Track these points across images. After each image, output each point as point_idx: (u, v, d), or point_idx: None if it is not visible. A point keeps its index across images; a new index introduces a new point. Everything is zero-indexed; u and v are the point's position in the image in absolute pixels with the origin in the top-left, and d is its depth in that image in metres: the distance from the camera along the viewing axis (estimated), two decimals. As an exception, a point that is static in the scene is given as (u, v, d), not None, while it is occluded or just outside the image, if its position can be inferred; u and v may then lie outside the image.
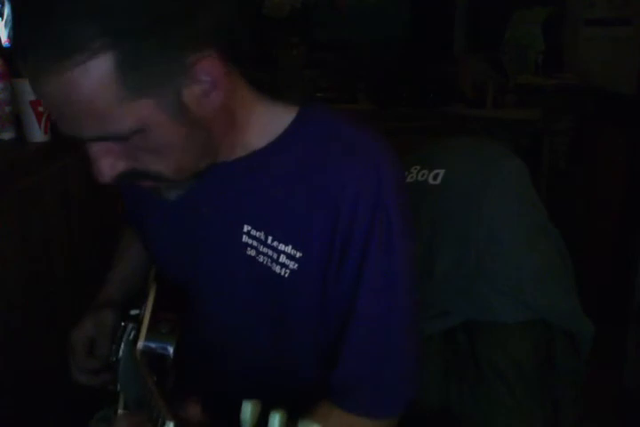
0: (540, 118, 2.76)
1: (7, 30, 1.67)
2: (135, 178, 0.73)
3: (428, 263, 0.99)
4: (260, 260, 0.80)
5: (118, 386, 0.87)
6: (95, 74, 0.61)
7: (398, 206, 0.77)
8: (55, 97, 0.64)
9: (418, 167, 1.05)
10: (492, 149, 1.09)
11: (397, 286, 0.78)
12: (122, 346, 0.84)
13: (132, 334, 0.81)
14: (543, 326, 1.00)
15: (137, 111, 0.64)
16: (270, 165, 0.79)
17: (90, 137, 0.67)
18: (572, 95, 2.73)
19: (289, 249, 0.78)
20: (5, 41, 1.68)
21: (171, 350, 0.76)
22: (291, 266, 0.78)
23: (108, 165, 0.70)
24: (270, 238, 0.79)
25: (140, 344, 0.76)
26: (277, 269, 0.79)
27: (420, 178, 1.03)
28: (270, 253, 0.79)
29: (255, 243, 0.80)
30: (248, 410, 0.48)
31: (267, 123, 0.79)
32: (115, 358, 0.86)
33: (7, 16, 1.68)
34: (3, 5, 1.68)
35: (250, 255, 0.80)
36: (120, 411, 0.85)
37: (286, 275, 0.78)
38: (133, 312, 0.85)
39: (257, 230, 0.80)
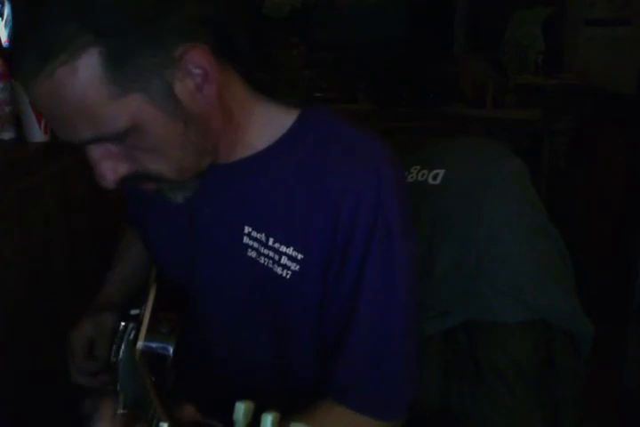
0: (539, 118, 2.76)
1: (7, 30, 1.67)
2: (138, 181, 0.73)
3: (428, 263, 0.99)
4: (261, 261, 0.80)
5: (118, 386, 0.87)
6: (82, 72, 0.61)
7: (398, 208, 0.77)
8: (47, 99, 0.64)
9: (418, 167, 1.05)
10: (491, 149, 1.09)
11: (398, 286, 0.78)
12: (122, 346, 0.84)
13: (132, 334, 0.81)
14: (543, 326, 1.00)
15: (129, 107, 0.64)
16: (271, 167, 0.79)
17: (86, 139, 0.67)
18: (572, 95, 2.73)
19: (290, 251, 0.78)
20: (5, 41, 1.67)
21: (170, 350, 0.76)
22: (292, 267, 0.78)
23: (110, 169, 0.70)
24: (272, 240, 0.79)
25: (140, 344, 0.76)
26: (279, 270, 0.79)
27: (419, 178, 1.03)
28: (271, 254, 0.79)
29: (256, 244, 0.80)
30: (241, 410, 0.48)
31: (267, 123, 0.79)
32: (115, 359, 0.86)
33: (7, 16, 1.67)
34: (3, 5, 1.68)
35: (250, 257, 0.80)
36: (120, 411, 0.85)
37: (288, 276, 0.78)
38: (133, 312, 0.85)
39: (258, 232, 0.80)
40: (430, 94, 2.95)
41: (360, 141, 0.79)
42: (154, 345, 0.76)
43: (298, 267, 0.78)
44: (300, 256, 0.78)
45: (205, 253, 0.84)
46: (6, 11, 1.67)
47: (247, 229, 0.80)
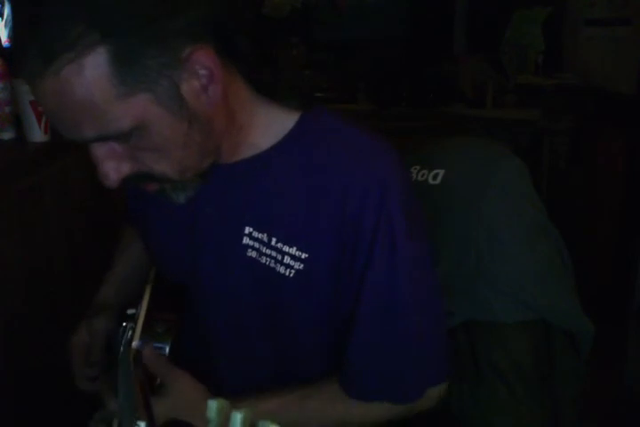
0: (539, 118, 2.76)
1: (7, 30, 1.67)
2: (140, 180, 0.73)
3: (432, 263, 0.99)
4: (263, 261, 0.80)
5: (117, 386, 0.87)
6: (89, 70, 0.61)
7: (403, 209, 0.77)
8: (52, 98, 0.64)
9: (418, 167, 1.05)
10: (491, 149, 1.09)
11: (401, 285, 0.78)
12: (121, 347, 0.84)
13: (128, 334, 0.81)
14: (543, 325, 1.00)
15: (135, 107, 0.64)
16: (273, 167, 0.79)
17: (90, 138, 0.67)
18: (572, 95, 2.73)
19: (293, 251, 0.78)
20: (5, 41, 1.68)
21: (166, 349, 0.76)
22: (296, 266, 0.78)
23: (113, 169, 0.70)
24: (274, 240, 0.79)
25: (135, 343, 0.76)
26: (282, 269, 0.79)
27: (420, 178, 1.03)
28: (274, 254, 0.79)
29: (257, 244, 0.80)
30: (214, 408, 0.47)
31: (269, 124, 0.79)
32: (114, 357, 0.86)
33: (7, 16, 1.67)
34: (3, 5, 1.68)
35: (251, 257, 0.80)
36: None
37: (291, 275, 0.78)
38: (130, 312, 0.85)
39: (259, 232, 0.80)
40: (430, 94, 2.95)
41: (362, 141, 0.80)
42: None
43: (302, 266, 0.78)
44: (304, 255, 0.78)
45: (205, 253, 0.84)
46: (6, 11, 1.67)
47: (248, 230, 0.80)
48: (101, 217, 1.58)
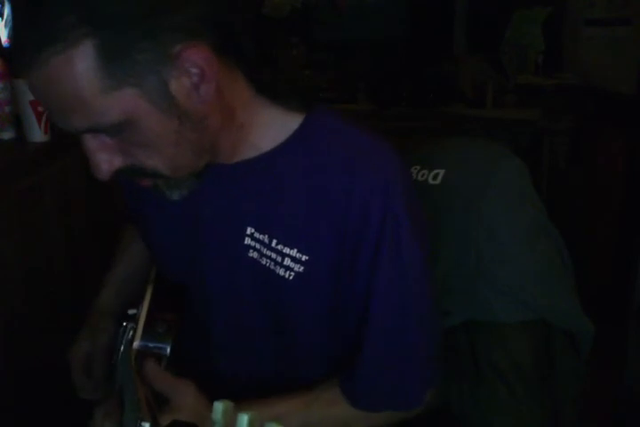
0: (539, 118, 2.76)
1: (7, 30, 1.67)
2: (133, 174, 0.73)
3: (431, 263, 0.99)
4: (263, 262, 0.80)
5: (118, 386, 0.87)
6: (77, 62, 0.62)
7: (406, 209, 0.77)
8: (42, 87, 0.65)
9: (418, 167, 1.05)
10: (491, 149, 1.09)
11: (410, 285, 0.79)
12: (121, 346, 0.84)
13: (129, 334, 0.81)
14: (543, 325, 1.00)
15: (122, 101, 0.64)
16: (275, 168, 0.79)
17: (79, 129, 0.67)
18: (572, 95, 2.73)
19: (294, 253, 0.78)
20: (5, 41, 1.68)
21: (167, 349, 0.76)
22: (296, 269, 0.78)
23: (105, 161, 0.70)
24: (275, 242, 0.78)
25: (136, 344, 0.76)
26: (281, 271, 0.79)
27: (420, 178, 1.03)
28: (274, 255, 0.79)
29: (258, 245, 0.80)
30: (219, 410, 0.48)
31: (271, 125, 0.79)
32: (115, 359, 0.86)
33: (7, 16, 1.68)
34: (3, 5, 1.68)
35: (252, 257, 0.80)
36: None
37: (291, 277, 0.78)
38: (131, 312, 0.85)
39: (260, 233, 0.79)
40: (430, 94, 2.95)
41: (365, 143, 0.79)
42: (150, 345, 0.76)
43: (302, 268, 0.78)
44: (304, 258, 0.77)
45: (206, 253, 0.84)
46: (6, 11, 1.67)
47: (249, 230, 0.80)
48: (101, 217, 1.58)
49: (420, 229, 0.80)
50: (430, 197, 1.00)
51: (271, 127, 0.79)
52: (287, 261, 0.78)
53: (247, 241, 0.80)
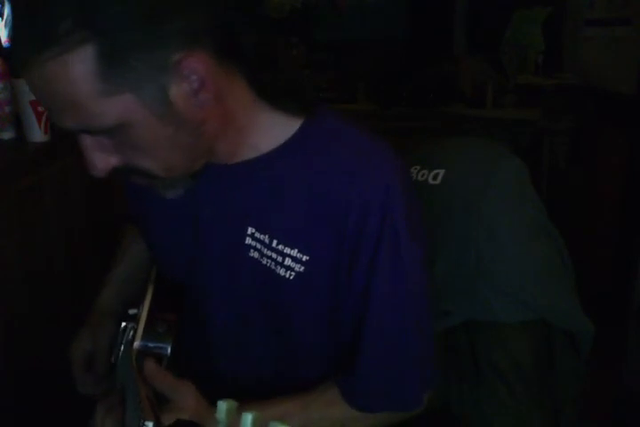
0: (539, 118, 2.76)
1: (7, 30, 1.67)
2: (129, 173, 0.73)
3: (428, 263, 0.99)
4: (264, 262, 0.80)
5: (118, 385, 0.87)
6: (74, 66, 0.62)
7: (405, 209, 0.77)
8: (38, 86, 0.65)
9: (418, 167, 1.05)
10: (491, 149, 1.09)
11: (408, 288, 0.79)
12: (121, 346, 0.84)
13: (130, 334, 0.81)
14: (543, 325, 1.00)
15: (118, 106, 0.64)
16: (276, 169, 0.78)
17: (74, 129, 0.67)
18: (572, 95, 2.73)
19: (295, 253, 0.78)
20: (5, 41, 1.67)
21: (168, 349, 0.76)
22: (296, 268, 0.78)
23: (101, 159, 0.70)
24: (275, 242, 0.78)
25: (137, 344, 0.76)
26: (282, 271, 0.79)
27: (420, 178, 1.03)
28: (274, 256, 0.79)
29: (259, 245, 0.80)
30: (223, 409, 0.48)
31: (272, 127, 0.79)
32: (115, 359, 0.86)
33: (7, 16, 1.67)
34: (3, 5, 1.68)
35: (253, 257, 0.80)
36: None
37: (291, 277, 0.78)
38: (131, 312, 0.85)
39: (261, 233, 0.79)
40: (430, 94, 2.95)
41: (365, 144, 0.79)
42: (151, 345, 0.76)
43: (302, 268, 0.78)
44: (305, 258, 0.78)
45: (207, 253, 0.84)
46: (6, 11, 1.67)
47: (250, 230, 0.80)
48: (101, 217, 1.58)
49: (419, 229, 0.80)
50: (430, 197, 1.00)
51: (271, 129, 0.79)
52: (288, 261, 0.78)
53: (248, 241, 0.80)
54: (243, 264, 0.81)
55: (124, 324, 0.84)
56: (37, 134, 1.38)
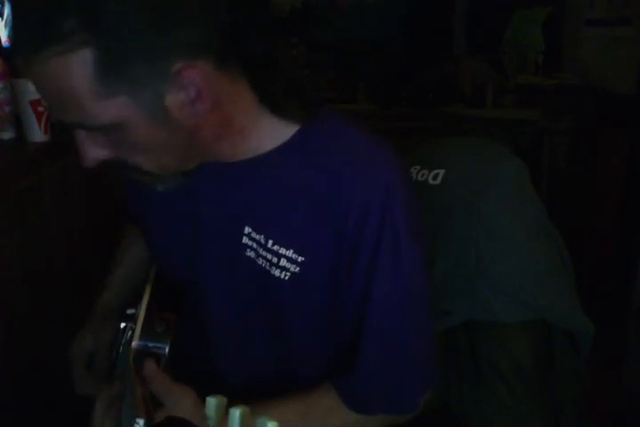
0: (539, 118, 2.76)
1: (7, 30, 1.67)
2: (119, 167, 0.74)
3: (428, 263, 0.99)
4: (259, 262, 0.80)
5: (118, 384, 0.87)
6: (73, 67, 0.62)
7: (405, 210, 0.77)
8: (37, 81, 0.67)
9: (418, 167, 1.05)
10: (491, 149, 1.09)
11: (408, 289, 0.79)
12: (120, 346, 0.84)
13: (128, 334, 0.81)
14: (543, 325, 1.00)
15: (114, 108, 0.65)
16: (274, 169, 0.79)
17: (70, 123, 0.69)
18: (572, 95, 2.73)
19: (290, 253, 0.78)
20: (5, 41, 1.67)
21: (166, 349, 0.76)
22: (292, 269, 0.78)
23: (93, 151, 0.72)
24: (270, 242, 0.79)
25: (135, 344, 0.76)
26: (277, 272, 0.79)
27: (420, 178, 1.03)
28: (269, 256, 0.79)
29: (255, 245, 0.80)
30: (212, 405, 0.48)
31: (272, 129, 0.79)
32: (114, 359, 0.86)
33: (7, 16, 1.67)
34: (3, 5, 1.68)
35: (249, 257, 0.80)
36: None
37: (286, 278, 0.78)
38: (129, 311, 0.85)
39: (257, 233, 0.80)
40: (430, 94, 2.95)
41: (364, 144, 0.79)
42: (149, 344, 0.76)
43: (298, 269, 0.78)
44: (300, 259, 0.77)
45: (206, 253, 0.84)
46: (6, 11, 1.67)
47: (247, 230, 0.80)
48: (101, 217, 1.58)
49: (418, 229, 0.80)
50: (430, 197, 1.00)
51: (272, 131, 0.79)
52: (283, 262, 0.78)
53: (245, 240, 0.80)
54: (240, 264, 0.81)
55: (123, 324, 0.84)
56: (37, 134, 1.38)
